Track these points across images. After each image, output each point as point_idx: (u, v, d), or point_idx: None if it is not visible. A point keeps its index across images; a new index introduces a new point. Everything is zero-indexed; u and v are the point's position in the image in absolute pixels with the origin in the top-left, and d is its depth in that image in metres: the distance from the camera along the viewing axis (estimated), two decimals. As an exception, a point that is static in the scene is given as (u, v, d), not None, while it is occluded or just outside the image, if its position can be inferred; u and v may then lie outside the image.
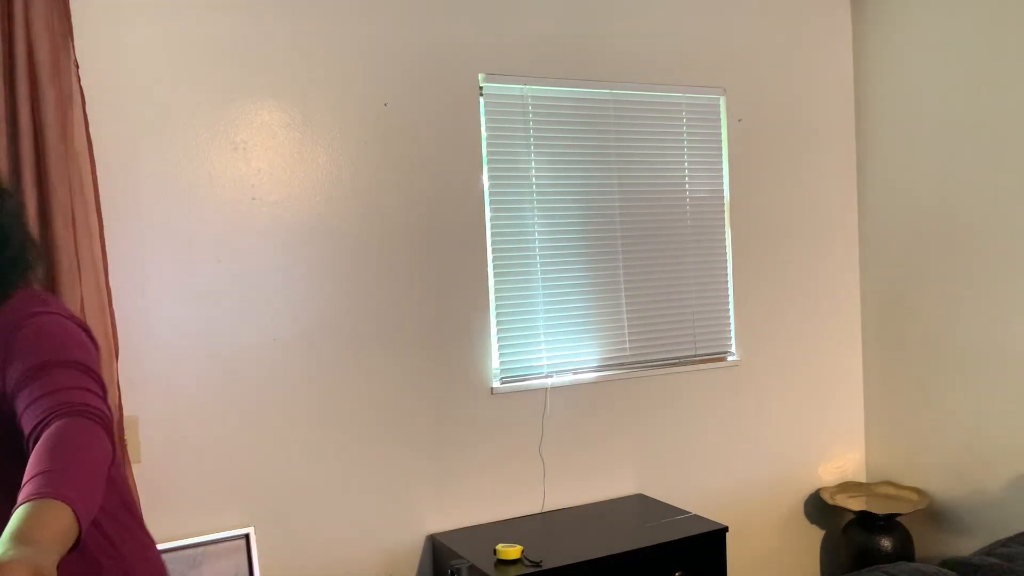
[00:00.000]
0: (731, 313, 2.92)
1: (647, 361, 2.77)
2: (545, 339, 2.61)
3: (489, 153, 2.54)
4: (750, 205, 2.95)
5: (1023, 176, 2.63)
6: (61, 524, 0.94)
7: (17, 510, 0.94)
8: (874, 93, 3.09)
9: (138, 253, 2.12)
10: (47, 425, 1.07)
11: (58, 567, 1.18)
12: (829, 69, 3.13)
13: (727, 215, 2.91)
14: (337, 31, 2.33)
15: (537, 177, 2.61)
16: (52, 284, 1.90)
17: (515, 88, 2.57)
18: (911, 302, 2.97)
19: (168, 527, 2.16)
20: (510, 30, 2.55)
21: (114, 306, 2.07)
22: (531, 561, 2.18)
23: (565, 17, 2.63)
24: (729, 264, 2.92)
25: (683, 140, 2.84)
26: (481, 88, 2.52)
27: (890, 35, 3.02)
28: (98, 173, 2.04)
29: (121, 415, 2.02)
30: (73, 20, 1.99)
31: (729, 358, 2.92)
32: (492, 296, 2.54)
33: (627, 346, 2.73)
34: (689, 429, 2.84)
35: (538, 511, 2.60)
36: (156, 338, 2.14)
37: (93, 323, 1.96)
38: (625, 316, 2.73)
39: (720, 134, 2.91)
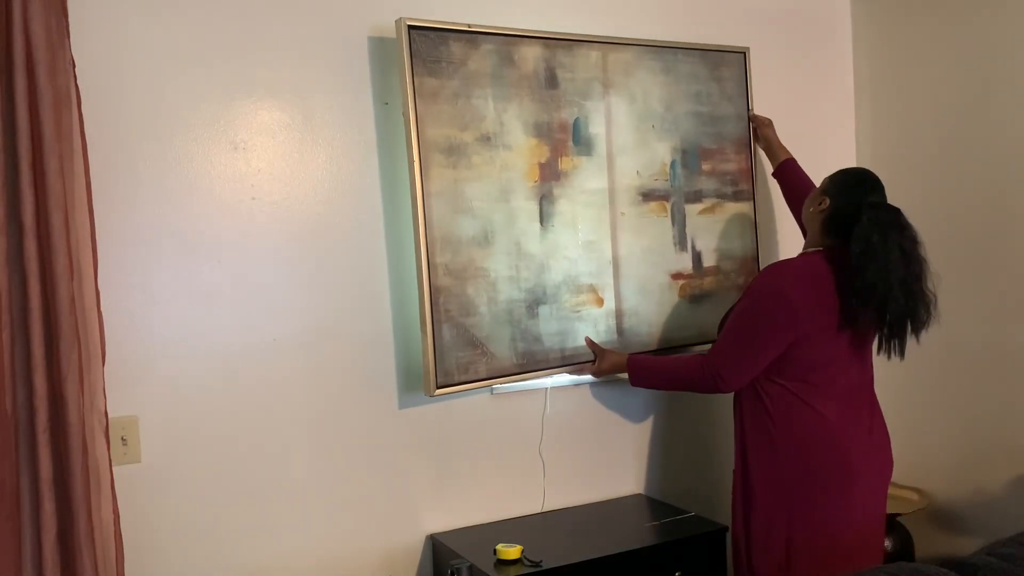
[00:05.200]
0: (731, 313, 2.92)
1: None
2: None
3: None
4: (750, 205, 2.94)
5: (1022, 176, 2.63)
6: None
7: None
8: (874, 93, 3.09)
9: (138, 253, 2.12)
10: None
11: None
12: (829, 69, 3.12)
13: (727, 215, 2.91)
14: (337, 30, 2.32)
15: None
16: (46, 284, 1.89)
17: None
18: (911, 302, 2.96)
19: (168, 527, 2.16)
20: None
21: (114, 306, 2.07)
22: (531, 561, 2.18)
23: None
24: (729, 264, 2.91)
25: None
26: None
27: (891, 35, 3.02)
28: (97, 173, 2.03)
29: (106, 416, 1.99)
30: (70, 18, 1.98)
31: (729, 358, 2.91)
32: (492, 296, 2.54)
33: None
34: (690, 429, 2.83)
35: (538, 511, 2.59)
36: (156, 338, 2.14)
37: (86, 324, 1.94)
38: (625, 316, 2.74)
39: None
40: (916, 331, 2.14)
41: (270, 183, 2.26)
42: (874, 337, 2.20)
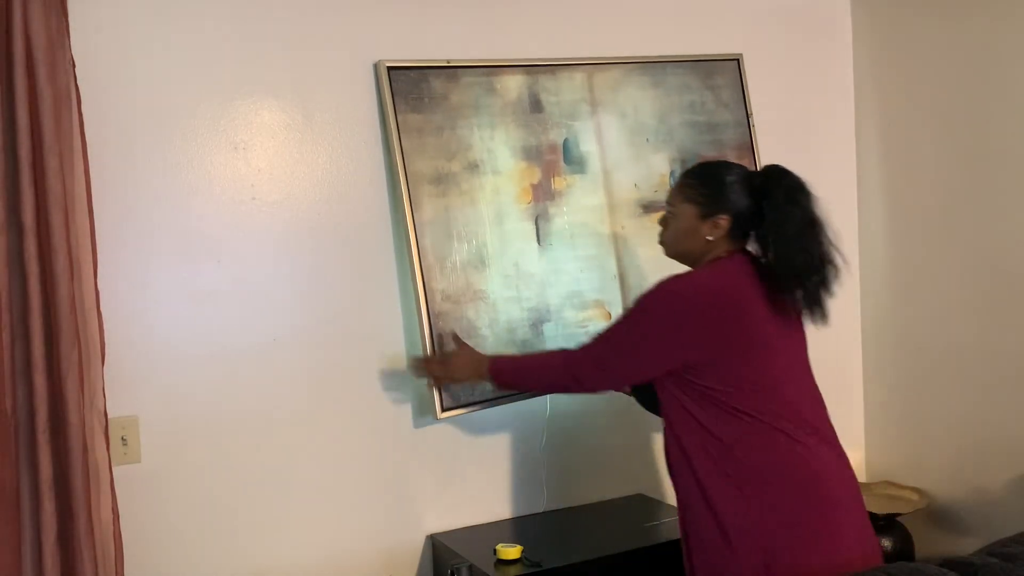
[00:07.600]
0: (731, 313, 2.91)
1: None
2: (545, 339, 2.62)
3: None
4: (750, 205, 2.94)
5: (1022, 177, 2.63)
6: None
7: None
8: (874, 94, 3.09)
9: (138, 253, 2.12)
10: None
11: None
12: (829, 69, 3.12)
13: (727, 215, 2.91)
14: (338, 30, 2.32)
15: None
16: (46, 284, 1.89)
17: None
18: (911, 302, 2.96)
19: (168, 527, 2.15)
20: (516, 31, 2.55)
21: (114, 306, 2.07)
22: (531, 561, 2.18)
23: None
24: (729, 264, 2.91)
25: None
26: (481, 88, 2.52)
27: (891, 35, 3.02)
28: (97, 174, 2.03)
29: (106, 416, 2.00)
30: (70, 18, 1.98)
31: (729, 358, 2.91)
32: (492, 296, 2.54)
33: (627, 346, 2.73)
34: (689, 429, 2.83)
35: (538, 511, 2.59)
36: (156, 338, 2.14)
37: (86, 324, 1.94)
38: (625, 316, 2.73)
39: (720, 134, 2.90)
40: (831, 287, 2.04)
41: (270, 183, 2.26)
42: (804, 336, 2.04)
